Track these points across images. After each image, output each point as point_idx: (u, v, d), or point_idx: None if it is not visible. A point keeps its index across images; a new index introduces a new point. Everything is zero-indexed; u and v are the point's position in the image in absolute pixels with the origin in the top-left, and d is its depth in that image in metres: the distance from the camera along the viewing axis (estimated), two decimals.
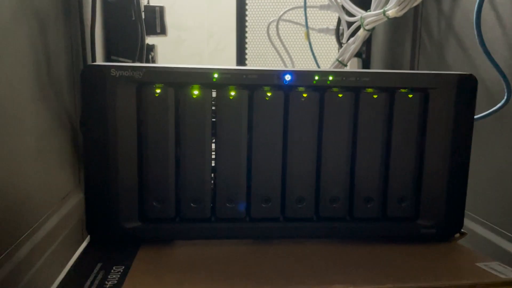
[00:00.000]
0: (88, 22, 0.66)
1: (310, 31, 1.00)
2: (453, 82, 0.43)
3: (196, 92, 0.41)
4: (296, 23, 1.04)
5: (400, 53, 0.86)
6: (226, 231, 0.44)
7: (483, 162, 0.54)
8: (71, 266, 0.38)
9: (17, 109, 0.38)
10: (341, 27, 0.95)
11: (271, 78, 0.42)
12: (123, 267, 0.38)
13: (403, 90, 0.43)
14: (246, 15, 1.21)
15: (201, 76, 0.41)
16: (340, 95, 0.43)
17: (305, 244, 0.44)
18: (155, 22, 0.97)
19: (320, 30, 1.01)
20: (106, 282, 0.35)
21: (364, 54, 0.98)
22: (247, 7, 1.21)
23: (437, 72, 0.43)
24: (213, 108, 0.42)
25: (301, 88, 0.43)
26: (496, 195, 0.53)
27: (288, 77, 0.42)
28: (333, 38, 0.99)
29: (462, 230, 0.47)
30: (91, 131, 0.41)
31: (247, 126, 0.43)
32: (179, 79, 0.41)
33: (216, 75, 0.41)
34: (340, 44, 0.95)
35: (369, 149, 0.44)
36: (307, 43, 1.00)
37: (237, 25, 1.21)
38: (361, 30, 0.83)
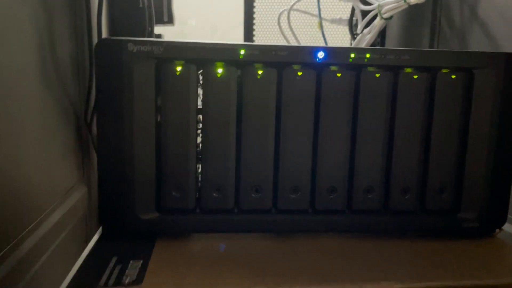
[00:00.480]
0: (94, 7, 0.63)
1: (322, 22, 0.96)
2: (501, 62, 0.39)
3: (220, 70, 0.38)
4: (308, 13, 1.00)
5: (418, 45, 0.82)
6: (250, 223, 0.40)
7: None
8: (84, 261, 0.35)
9: (20, 96, 0.34)
10: (354, 18, 0.91)
11: (303, 55, 0.38)
12: (141, 261, 0.34)
13: (445, 70, 0.40)
14: (254, 7, 1.17)
15: (226, 53, 0.37)
16: (377, 75, 0.39)
17: (336, 239, 0.40)
18: (162, 10, 0.94)
19: (333, 21, 0.98)
20: (125, 278, 0.31)
21: (378, 46, 0.94)
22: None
23: (483, 51, 0.40)
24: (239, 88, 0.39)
25: (334, 67, 0.39)
26: None
27: (321, 54, 0.38)
28: (345, 29, 0.95)
29: None
30: (105, 113, 0.37)
31: (275, 108, 0.39)
32: (202, 55, 0.37)
33: (242, 52, 0.37)
34: (353, 35, 0.91)
35: (408, 135, 0.40)
36: (320, 34, 0.96)
37: (244, 17, 1.17)
38: (378, 19, 0.79)
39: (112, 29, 0.79)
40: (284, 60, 0.38)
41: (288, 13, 0.99)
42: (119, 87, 0.36)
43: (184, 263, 0.35)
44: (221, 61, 0.38)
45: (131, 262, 0.34)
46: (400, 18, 0.89)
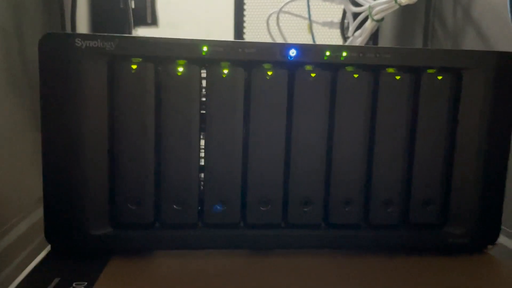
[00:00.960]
0: (69, 7, 0.59)
1: (313, 25, 0.93)
2: (491, 62, 0.36)
3: (181, 68, 0.34)
4: (298, 16, 0.97)
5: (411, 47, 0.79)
6: (216, 239, 0.36)
7: None
8: (20, 282, 0.31)
9: None
10: (346, 21, 0.88)
11: (273, 53, 0.34)
12: (86, 283, 0.30)
13: (431, 71, 0.36)
14: (245, 10, 1.14)
15: (188, 49, 0.34)
16: (355, 75, 0.35)
17: (311, 255, 0.37)
18: (146, 11, 0.90)
19: (324, 24, 0.95)
20: None
21: None
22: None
23: (472, 50, 0.36)
24: (203, 89, 0.35)
25: (309, 66, 0.35)
26: None
27: (293, 52, 0.34)
28: (336, 32, 0.92)
29: None
30: (49, 117, 0.33)
31: (243, 112, 0.35)
32: (160, 52, 0.33)
33: (205, 48, 0.34)
34: (344, 38, 0.88)
35: (390, 141, 0.36)
36: (310, 36, 0.93)
37: (235, 18, 1.14)
38: (369, 21, 0.77)
39: (92, 31, 0.76)
40: (253, 58, 0.34)
41: (277, 16, 0.95)
42: (66, 87, 0.33)
43: (135, 285, 0.31)
44: (182, 59, 0.34)
45: (74, 284, 0.30)
46: (393, 21, 0.86)
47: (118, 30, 0.78)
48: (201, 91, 0.35)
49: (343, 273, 0.34)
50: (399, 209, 0.37)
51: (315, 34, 0.95)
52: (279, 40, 0.98)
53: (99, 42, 0.32)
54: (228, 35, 1.11)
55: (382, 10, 0.72)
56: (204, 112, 0.35)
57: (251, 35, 1.08)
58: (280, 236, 0.37)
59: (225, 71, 0.34)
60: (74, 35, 0.32)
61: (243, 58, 0.34)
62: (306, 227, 0.37)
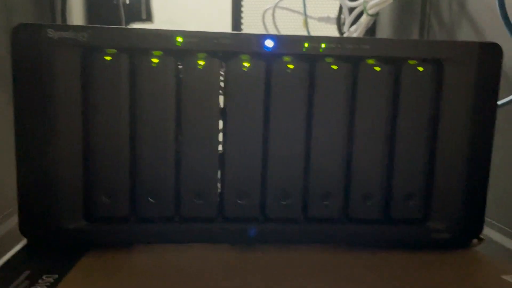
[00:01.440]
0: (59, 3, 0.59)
1: (309, 20, 0.92)
2: (474, 52, 0.35)
3: (155, 60, 0.33)
4: (294, 11, 0.97)
5: None
6: (193, 233, 0.36)
7: (503, 158, 0.46)
8: None
9: None
10: (342, 16, 0.87)
11: (249, 44, 0.34)
12: (56, 276, 0.30)
13: (411, 62, 0.35)
14: (242, 6, 1.14)
15: (162, 40, 0.33)
16: (334, 67, 0.35)
17: (289, 250, 0.36)
18: (140, 7, 0.90)
19: (320, 19, 0.94)
20: None
21: None
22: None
23: (453, 40, 0.35)
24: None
25: (287, 57, 0.35)
26: None
27: (269, 43, 0.34)
28: (333, 28, 0.91)
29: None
30: (22, 109, 0.33)
31: (219, 104, 0.35)
32: (134, 43, 0.33)
33: (180, 39, 0.33)
34: (341, 33, 0.87)
35: (369, 134, 0.36)
36: (306, 32, 0.92)
37: (232, 15, 1.13)
38: (364, 16, 0.76)
39: None
40: (229, 49, 0.34)
41: (273, 11, 0.95)
42: (38, 78, 0.32)
43: (105, 278, 0.31)
44: (157, 50, 0.34)
45: (43, 277, 0.30)
46: (390, 15, 0.86)
47: (114, 25, 0.78)
48: (177, 83, 0.34)
49: (321, 267, 0.33)
50: (379, 203, 0.36)
51: (311, 29, 0.94)
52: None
53: (71, 32, 0.32)
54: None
55: (376, 5, 0.71)
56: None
57: (249, 31, 1.07)
58: (257, 231, 0.36)
59: (201, 63, 0.34)
60: (46, 25, 0.32)
61: (218, 49, 0.34)
62: (284, 221, 0.36)
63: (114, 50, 0.33)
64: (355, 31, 0.77)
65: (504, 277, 0.32)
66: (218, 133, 0.35)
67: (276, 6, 0.94)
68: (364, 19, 0.77)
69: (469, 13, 0.58)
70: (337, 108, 0.35)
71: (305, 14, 0.92)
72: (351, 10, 0.81)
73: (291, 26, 1.05)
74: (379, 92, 0.35)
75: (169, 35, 0.33)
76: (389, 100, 0.35)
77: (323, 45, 0.34)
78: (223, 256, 0.35)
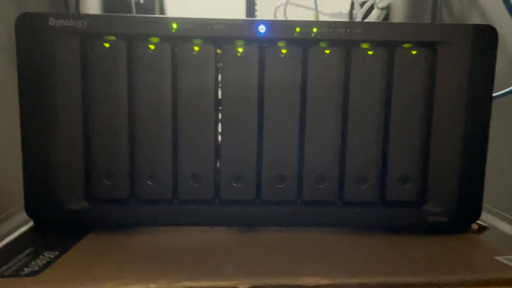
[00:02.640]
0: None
1: (321, 16, 0.93)
2: (468, 35, 0.35)
3: (152, 46, 0.35)
4: (305, 7, 0.97)
5: None
6: (191, 215, 0.37)
7: (503, 146, 0.45)
8: None
9: None
10: (354, 11, 0.88)
11: (242, 29, 0.35)
12: (57, 253, 0.31)
13: (405, 45, 0.36)
14: (256, 4, 1.15)
15: (157, 27, 0.34)
16: (327, 51, 0.35)
17: (285, 232, 0.37)
18: (154, 5, 0.92)
19: (332, 15, 0.94)
20: (25, 269, 0.28)
21: None
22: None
23: (447, 23, 0.35)
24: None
25: (281, 43, 0.35)
26: None
27: (262, 28, 0.35)
28: None
29: (483, 223, 0.39)
30: (26, 94, 0.34)
31: (214, 90, 0.35)
32: (131, 30, 0.34)
33: (175, 26, 0.34)
34: None
35: (363, 118, 0.36)
36: None
37: (246, 11, 1.15)
38: (375, 9, 0.76)
39: None
40: (223, 35, 0.35)
41: (285, 7, 0.95)
42: (41, 65, 0.34)
43: (103, 256, 0.32)
44: (154, 37, 0.35)
45: (44, 253, 0.31)
46: (401, 8, 0.85)
47: None
48: (174, 68, 0.35)
49: (316, 248, 0.34)
50: (375, 186, 0.37)
51: None
52: None
53: (71, 20, 0.33)
54: None
55: None
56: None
57: None
58: (252, 213, 0.37)
59: (196, 48, 0.35)
60: (48, 14, 0.33)
61: (212, 35, 0.34)
62: (280, 204, 0.37)
63: (113, 37, 0.35)
64: None
65: (497, 258, 0.31)
66: (215, 117, 0.36)
67: (288, 2, 0.95)
68: (375, 12, 0.77)
69: (479, 3, 0.58)
70: (331, 92, 0.36)
71: (316, 10, 0.92)
72: (362, 4, 0.81)
73: None
74: (373, 75, 0.36)
75: (165, 21, 0.34)
76: (383, 83, 0.36)
77: (314, 30, 0.35)
78: (220, 237, 0.36)
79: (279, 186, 0.36)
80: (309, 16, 1.00)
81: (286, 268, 0.29)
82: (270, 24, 0.35)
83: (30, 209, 0.36)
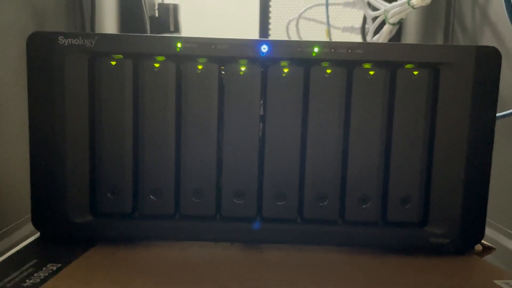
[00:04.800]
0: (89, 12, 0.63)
1: (334, 30, 0.93)
2: (470, 56, 0.35)
3: (157, 64, 0.36)
4: (318, 21, 0.98)
5: None
6: (193, 231, 0.37)
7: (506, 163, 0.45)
8: (1, 260, 0.33)
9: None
10: (366, 26, 0.88)
11: (245, 49, 0.35)
12: (60, 265, 0.32)
13: (407, 66, 0.36)
14: (270, 17, 1.16)
15: (162, 46, 0.35)
16: (328, 71, 0.36)
17: (285, 250, 0.37)
18: (169, 20, 0.94)
19: (345, 29, 0.95)
20: (27, 281, 0.29)
21: None
22: (270, 9, 1.16)
23: (449, 44, 0.36)
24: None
25: (283, 62, 0.36)
26: None
27: (265, 48, 0.35)
28: (357, 38, 0.91)
29: (488, 244, 0.38)
30: (35, 110, 0.35)
31: (217, 108, 0.36)
32: (137, 49, 0.35)
33: (179, 45, 0.35)
34: None
35: (365, 138, 0.36)
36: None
37: (260, 25, 1.16)
38: (386, 25, 0.76)
39: None
40: (226, 54, 0.35)
41: (297, 22, 0.96)
42: (50, 83, 0.35)
43: (105, 270, 0.32)
44: (159, 55, 0.36)
45: (48, 265, 0.32)
46: (415, 23, 0.86)
47: None
48: (179, 86, 0.36)
49: (315, 268, 0.34)
50: (376, 206, 0.37)
51: (336, 39, 0.95)
52: None
53: (80, 39, 0.35)
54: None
55: (396, 13, 0.72)
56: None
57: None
58: (254, 231, 0.37)
59: (200, 67, 0.36)
60: (58, 33, 0.35)
61: (216, 54, 0.35)
62: (281, 222, 0.37)
63: (120, 56, 0.36)
64: (378, 40, 0.78)
65: (496, 281, 0.31)
66: (217, 134, 0.36)
67: (300, 16, 0.96)
68: (386, 28, 0.77)
69: (490, 19, 0.58)
70: (332, 111, 0.36)
71: (328, 24, 0.93)
72: (374, 19, 0.81)
73: (314, 36, 1.06)
74: (374, 95, 0.36)
75: (169, 41, 0.35)
76: (385, 103, 0.36)
77: (316, 49, 0.35)
78: (223, 253, 0.36)
79: (280, 203, 0.37)
80: (321, 30, 1.01)
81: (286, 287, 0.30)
82: (272, 44, 0.35)
83: (37, 221, 0.37)
